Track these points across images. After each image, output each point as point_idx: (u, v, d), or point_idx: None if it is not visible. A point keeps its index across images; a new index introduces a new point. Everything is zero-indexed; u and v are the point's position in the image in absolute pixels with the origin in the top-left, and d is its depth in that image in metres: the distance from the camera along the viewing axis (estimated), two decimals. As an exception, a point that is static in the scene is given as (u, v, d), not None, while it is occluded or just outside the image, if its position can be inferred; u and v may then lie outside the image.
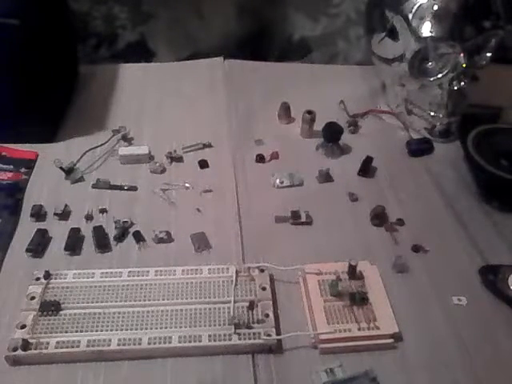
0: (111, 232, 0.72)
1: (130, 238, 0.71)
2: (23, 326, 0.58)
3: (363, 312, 0.61)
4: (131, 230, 0.72)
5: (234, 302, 0.62)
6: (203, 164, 0.84)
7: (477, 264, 0.69)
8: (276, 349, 0.59)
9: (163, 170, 0.83)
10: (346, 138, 0.88)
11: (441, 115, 0.90)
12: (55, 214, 0.73)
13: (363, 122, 0.95)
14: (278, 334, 0.60)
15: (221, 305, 0.62)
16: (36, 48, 0.79)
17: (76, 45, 1.04)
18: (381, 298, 0.63)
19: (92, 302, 0.61)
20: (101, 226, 0.72)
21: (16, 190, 0.78)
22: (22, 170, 0.81)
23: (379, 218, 0.75)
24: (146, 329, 0.59)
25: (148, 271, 0.65)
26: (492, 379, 0.58)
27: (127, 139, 0.87)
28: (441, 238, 0.73)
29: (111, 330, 0.58)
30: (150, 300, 0.62)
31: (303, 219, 0.74)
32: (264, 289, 0.64)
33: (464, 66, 0.85)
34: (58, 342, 0.57)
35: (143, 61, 1.12)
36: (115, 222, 0.73)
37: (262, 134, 0.91)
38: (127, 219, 0.73)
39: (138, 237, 0.71)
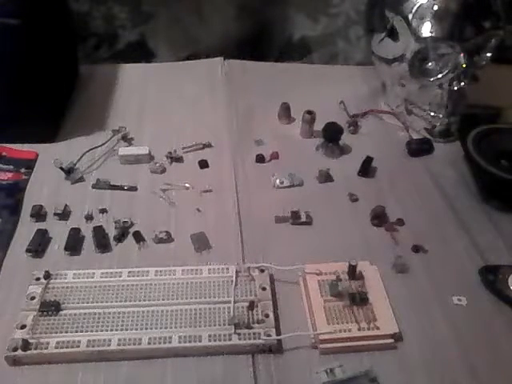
0: (111, 232, 0.72)
1: (130, 238, 0.71)
2: (23, 326, 0.58)
3: (363, 312, 0.61)
4: (131, 230, 0.72)
5: (234, 302, 0.62)
6: (203, 164, 0.84)
7: (477, 264, 0.69)
8: (276, 349, 0.59)
9: (163, 170, 0.83)
10: (346, 138, 0.88)
11: (441, 115, 0.90)
12: (55, 214, 0.73)
13: (363, 122, 0.95)
14: (278, 334, 0.60)
15: (221, 305, 0.61)
16: (36, 48, 0.79)
17: (76, 45, 1.04)
18: (381, 298, 0.63)
19: (92, 302, 0.61)
20: (101, 226, 0.72)
21: (16, 190, 0.78)
22: (22, 170, 0.81)
23: (379, 217, 0.75)
24: (146, 329, 0.59)
25: (148, 271, 0.65)
26: (492, 379, 0.58)
27: (127, 139, 0.87)
28: (441, 238, 0.73)
29: (111, 330, 0.58)
30: (150, 300, 0.62)
31: (303, 219, 0.74)
32: (264, 289, 0.64)
33: (464, 66, 0.85)
34: (58, 342, 0.57)
35: (143, 61, 1.12)
36: (115, 222, 0.73)
37: (262, 134, 0.91)
38: (127, 219, 0.73)
39: (138, 237, 0.71)
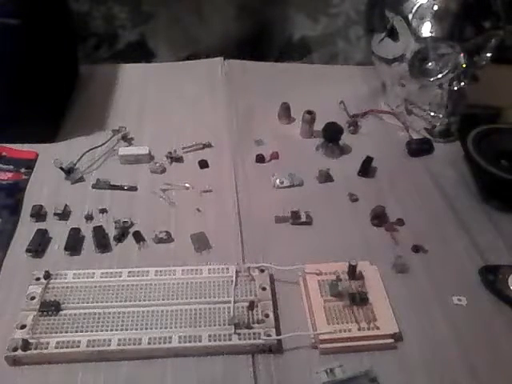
0: (111, 232, 0.72)
1: (129, 238, 0.71)
2: (23, 326, 0.58)
3: (363, 312, 0.61)
4: (131, 230, 0.72)
5: (234, 302, 0.62)
6: (203, 164, 0.84)
7: (477, 264, 0.69)
8: (276, 349, 0.59)
9: (163, 170, 0.83)
10: (346, 138, 0.88)
11: (441, 115, 0.90)
12: (55, 214, 0.73)
13: (363, 122, 0.95)
14: (278, 334, 0.60)
15: (221, 305, 0.61)
16: (36, 48, 0.79)
17: (76, 45, 1.04)
18: (381, 298, 0.63)
19: (92, 302, 0.61)
20: (101, 226, 0.72)
21: (16, 190, 0.78)
22: (22, 170, 0.81)
23: (379, 217, 0.75)
24: (146, 329, 0.59)
25: (148, 271, 0.65)
26: (492, 379, 0.58)
27: (127, 139, 0.87)
28: (441, 238, 0.73)
29: (111, 330, 0.58)
30: (150, 300, 0.62)
31: (303, 219, 0.74)
32: (264, 289, 0.64)
33: (464, 66, 0.85)
34: (58, 342, 0.57)
35: (143, 61, 1.12)
36: (115, 222, 0.73)
37: (262, 134, 0.91)
38: (127, 219, 0.73)
39: (138, 237, 0.71)
